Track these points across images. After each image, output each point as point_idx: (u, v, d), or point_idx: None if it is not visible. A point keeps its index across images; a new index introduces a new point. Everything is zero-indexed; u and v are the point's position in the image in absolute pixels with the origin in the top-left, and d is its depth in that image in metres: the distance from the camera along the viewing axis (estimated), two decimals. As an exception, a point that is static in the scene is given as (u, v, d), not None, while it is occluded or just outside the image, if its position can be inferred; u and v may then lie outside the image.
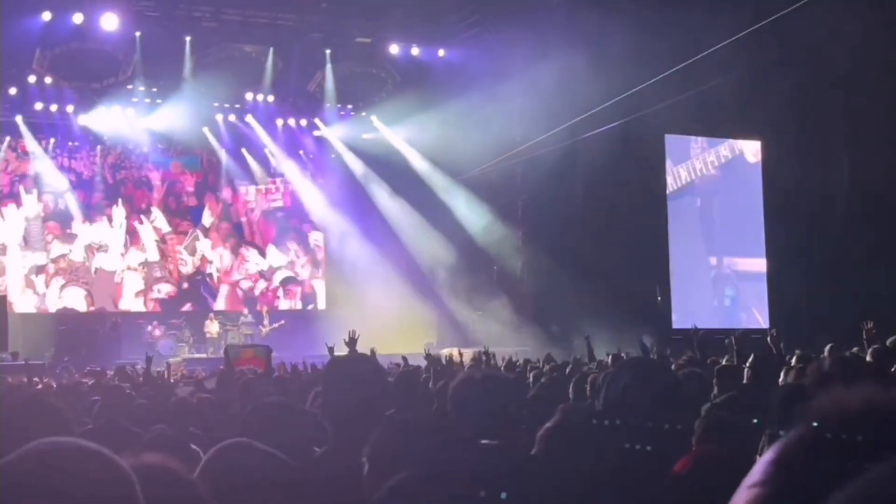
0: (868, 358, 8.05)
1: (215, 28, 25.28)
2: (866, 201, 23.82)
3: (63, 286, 27.51)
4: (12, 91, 25.56)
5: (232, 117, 28.29)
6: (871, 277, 23.04)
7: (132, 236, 28.42)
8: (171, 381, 13.89)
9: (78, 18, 23.81)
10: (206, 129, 28.29)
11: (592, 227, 24.47)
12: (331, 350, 10.63)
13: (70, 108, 26.48)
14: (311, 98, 28.09)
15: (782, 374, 7.60)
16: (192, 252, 28.99)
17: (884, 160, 22.27)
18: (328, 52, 26.67)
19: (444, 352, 22.47)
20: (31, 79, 25.26)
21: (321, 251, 30.46)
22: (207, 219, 29.36)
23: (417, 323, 27.96)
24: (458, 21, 25.39)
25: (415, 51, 27.11)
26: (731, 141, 27.63)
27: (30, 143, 27.19)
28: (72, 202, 27.84)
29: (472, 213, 27.58)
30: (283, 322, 26.98)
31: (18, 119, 26.59)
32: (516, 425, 3.26)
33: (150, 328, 26.13)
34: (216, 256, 29.31)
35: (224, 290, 29.15)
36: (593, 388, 7.31)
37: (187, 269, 28.92)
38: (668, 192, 26.73)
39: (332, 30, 26.12)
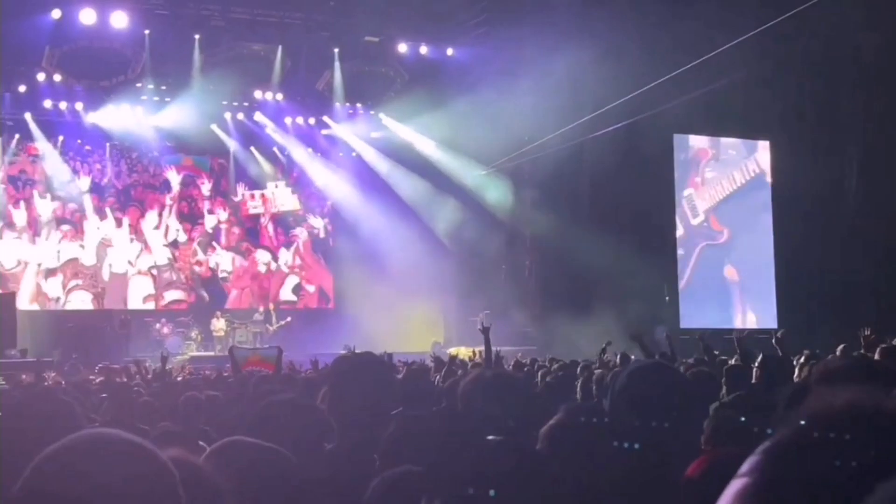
0: (876, 356, 8.03)
1: (224, 26, 25.31)
2: (876, 201, 23.79)
3: (72, 289, 27.56)
4: (21, 89, 25.64)
5: (240, 115, 28.32)
6: (881, 277, 23.02)
7: (143, 239, 28.51)
8: (179, 379, 13.88)
9: (87, 16, 23.85)
10: (214, 127, 28.30)
11: (600, 225, 24.45)
12: (350, 352, 10.60)
13: (79, 106, 26.53)
14: (320, 96, 28.11)
15: (796, 373, 7.59)
16: (204, 255, 29.05)
17: (894, 160, 22.26)
18: (336, 50, 26.70)
19: (451, 350, 22.49)
20: (41, 76, 25.32)
21: (329, 249, 30.49)
22: (219, 221, 29.45)
23: (425, 321, 27.97)
24: (466, 20, 25.38)
25: (423, 49, 27.11)
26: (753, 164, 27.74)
27: (42, 144, 27.24)
28: (87, 204, 27.95)
29: (479, 211, 27.57)
30: (289, 319, 27.01)
31: (27, 117, 26.62)
32: (525, 423, 3.26)
33: (158, 326, 26.17)
34: (228, 259, 29.37)
35: (235, 294, 29.23)
36: (600, 387, 7.31)
37: (200, 271, 29.01)
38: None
39: (340, 28, 26.13)
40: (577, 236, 24.69)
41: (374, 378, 3.58)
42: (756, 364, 7.95)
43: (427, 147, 27.81)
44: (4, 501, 1.63)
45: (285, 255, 30.09)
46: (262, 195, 29.93)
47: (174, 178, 28.99)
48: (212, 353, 24.93)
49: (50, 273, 27.41)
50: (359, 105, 28.65)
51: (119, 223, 28.29)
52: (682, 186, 27.52)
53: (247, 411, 5.02)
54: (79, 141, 27.70)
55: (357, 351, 9.87)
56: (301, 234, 30.36)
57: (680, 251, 27.31)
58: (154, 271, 28.50)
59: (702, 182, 27.76)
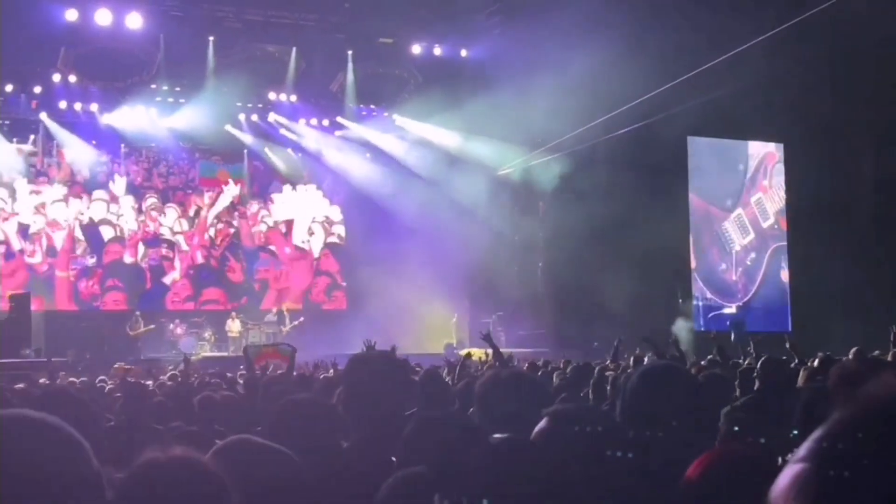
0: (889, 359, 8.05)
1: (238, 28, 25.40)
2: (890, 203, 23.72)
3: (109, 289, 27.81)
4: (37, 89, 25.76)
5: (255, 117, 28.38)
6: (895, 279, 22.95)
7: (182, 242, 28.78)
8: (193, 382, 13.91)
9: (103, 17, 23.97)
10: (229, 128, 28.38)
11: (614, 228, 24.40)
12: (370, 347, 10.57)
13: (94, 107, 26.62)
14: (334, 98, 28.16)
15: (801, 377, 7.59)
16: (238, 258, 29.35)
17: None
18: (350, 52, 26.76)
19: (464, 352, 22.51)
20: (56, 77, 25.43)
21: (342, 250, 30.56)
22: (252, 224, 29.76)
23: (438, 323, 27.98)
24: (480, 21, 25.39)
25: (437, 50, 27.16)
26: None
27: (77, 145, 27.47)
28: (126, 208, 28.26)
29: (493, 213, 27.58)
30: (301, 319, 27.03)
31: (46, 118, 26.76)
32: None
33: (171, 326, 26.22)
34: (264, 261, 29.71)
35: (272, 294, 29.59)
36: (614, 388, 7.32)
37: (235, 275, 29.25)
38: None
39: (354, 30, 26.18)
40: (589, 238, 24.66)
41: (389, 378, 3.60)
42: (757, 367, 7.97)
43: (440, 148, 27.81)
44: None
45: (312, 256, 30.33)
46: (279, 199, 30.11)
47: (212, 184, 29.42)
48: (225, 354, 24.98)
49: (90, 273, 27.71)
50: (373, 106, 28.70)
51: (160, 225, 28.59)
52: (751, 191, 27.91)
53: (262, 411, 5.05)
54: (122, 146, 27.80)
55: (377, 348, 9.87)
56: (319, 235, 30.52)
57: (752, 255, 27.56)
58: (192, 272, 28.71)
59: (769, 185, 27.96)
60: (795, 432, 3.84)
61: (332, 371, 11.68)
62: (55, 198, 27.57)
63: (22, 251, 27.07)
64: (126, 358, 22.76)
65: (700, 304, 26.95)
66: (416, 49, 27.07)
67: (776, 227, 28.06)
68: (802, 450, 1.24)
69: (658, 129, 22.27)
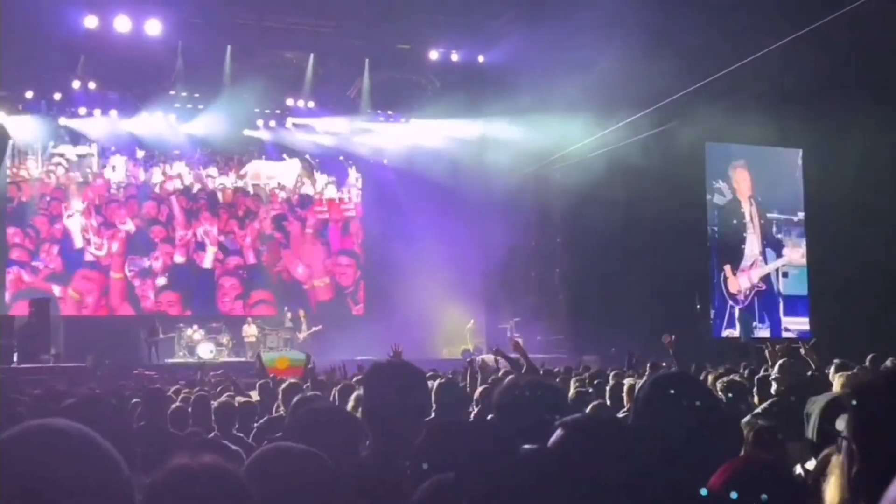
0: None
1: (256, 35, 25.47)
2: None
3: (164, 288, 28.29)
4: (57, 96, 25.91)
5: (272, 123, 28.47)
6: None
7: (233, 243, 29.31)
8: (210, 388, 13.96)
9: (122, 24, 24.11)
10: (247, 133, 28.53)
11: (631, 234, 24.38)
12: (398, 353, 10.53)
13: (113, 114, 26.74)
14: (351, 104, 28.21)
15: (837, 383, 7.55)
16: (279, 260, 29.88)
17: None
18: (368, 58, 26.82)
19: (481, 358, 22.48)
20: (76, 84, 25.57)
21: (359, 256, 30.62)
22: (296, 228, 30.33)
23: (455, 329, 27.98)
24: (498, 26, 25.39)
25: (454, 56, 27.17)
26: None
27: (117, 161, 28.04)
28: (176, 209, 28.69)
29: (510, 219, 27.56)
30: (320, 327, 27.03)
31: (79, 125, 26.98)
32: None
33: (189, 332, 26.28)
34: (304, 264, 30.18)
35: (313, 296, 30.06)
36: (630, 396, 7.32)
37: (283, 276, 29.77)
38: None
39: (371, 36, 26.21)
40: (607, 244, 24.65)
41: (408, 385, 3.61)
42: (774, 372, 7.94)
43: (458, 153, 27.81)
44: None
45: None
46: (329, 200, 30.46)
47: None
48: (243, 359, 25.03)
49: (144, 274, 28.25)
50: (390, 112, 28.73)
51: (210, 224, 29.10)
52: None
53: (280, 417, 5.07)
54: (112, 147, 27.97)
55: (402, 355, 9.87)
56: (339, 241, 30.74)
57: (770, 259, 27.68)
58: (243, 272, 29.19)
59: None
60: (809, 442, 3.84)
61: (353, 378, 11.65)
62: (105, 200, 28.10)
63: (82, 250, 27.69)
64: (143, 364, 22.87)
65: (717, 310, 26.87)
66: (434, 55, 27.10)
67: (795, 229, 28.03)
68: None
69: (676, 134, 22.24)
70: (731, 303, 26.96)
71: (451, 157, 27.77)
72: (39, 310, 23.11)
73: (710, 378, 8.79)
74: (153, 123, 27.22)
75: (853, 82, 22.64)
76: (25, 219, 27.33)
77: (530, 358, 8.93)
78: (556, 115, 23.51)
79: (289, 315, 27.67)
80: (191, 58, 25.39)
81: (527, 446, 2.37)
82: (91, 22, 23.96)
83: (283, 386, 8.31)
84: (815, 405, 4.03)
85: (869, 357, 10.24)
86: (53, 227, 27.48)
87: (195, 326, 26.49)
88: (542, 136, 24.94)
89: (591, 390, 9.09)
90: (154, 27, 24.37)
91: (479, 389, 7.24)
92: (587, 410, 6.73)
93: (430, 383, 5.51)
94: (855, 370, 8.19)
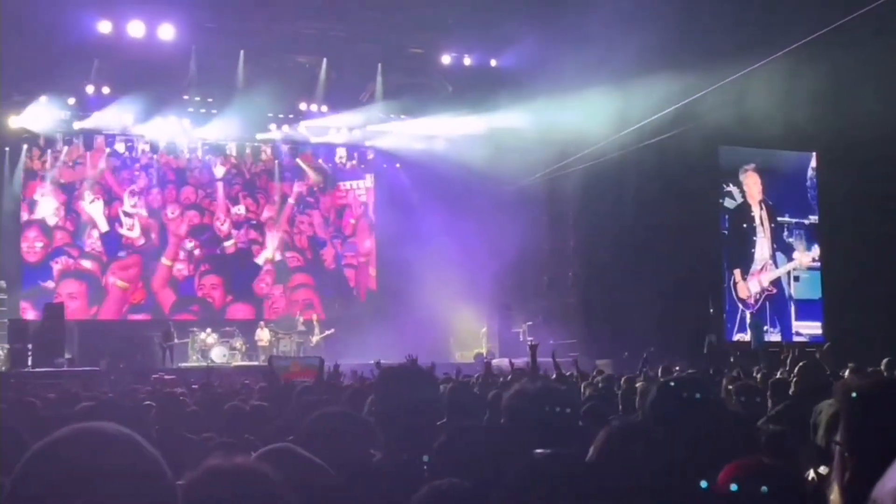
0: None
1: (269, 39, 25.54)
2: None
3: (207, 273, 29.02)
4: (71, 101, 26.01)
5: (286, 127, 28.55)
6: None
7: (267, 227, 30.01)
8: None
9: (136, 29, 24.20)
10: (260, 137, 28.69)
11: (644, 237, 24.34)
12: (413, 361, 10.52)
13: (128, 119, 26.84)
14: (364, 107, 28.24)
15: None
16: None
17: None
18: (380, 62, 26.86)
19: (495, 362, 22.46)
20: (90, 89, 25.66)
21: (374, 260, 30.69)
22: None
23: (468, 332, 27.99)
24: (510, 30, 25.38)
25: (467, 60, 27.19)
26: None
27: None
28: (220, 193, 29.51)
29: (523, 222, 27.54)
30: (332, 331, 27.09)
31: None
32: (569, 435, 3.28)
33: (203, 336, 26.33)
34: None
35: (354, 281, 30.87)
36: (643, 399, 7.30)
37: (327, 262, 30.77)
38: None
39: (384, 40, 26.27)
40: (620, 247, 24.62)
41: (420, 389, 3.61)
42: (793, 374, 7.92)
43: (470, 157, 27.79)
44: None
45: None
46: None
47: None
48: (256, 363, 25.07)
49: (189, 258, 29.03)
50: (402, 116, 28.75)
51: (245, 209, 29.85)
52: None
53: (293, 421, 5.07)
54: (125, 151, 28.13)
55: (417, 361, 9.86)
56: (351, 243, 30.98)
57: (782, 262, 27.66)
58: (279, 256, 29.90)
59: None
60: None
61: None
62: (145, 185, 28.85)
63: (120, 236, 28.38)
64: (157, 367, 22.93)
65: (728, 314, 26.80)
66: (446, 59, 27.13)
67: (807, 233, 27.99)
68: None
69: (689, 138, 22.19)
70: (741, 307, 26.88)
71: (463, 161, 27.74)
72: (53, 314, 23.21)
73: (724, 381, 8.77)
74: (167, 127, 27.35)
75: (868, 84, 22.55)
76: (70, 203, 27.84)
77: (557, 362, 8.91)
78: (569, 119, 23.48)
79: (301, 319, 27.72)
80: (204, 62, 25.48)
81: (539, 451, 2.37)
82: (105, 27, 24.07)
83: (297, 389, 8.33)
84: (823, 412, 4.04)
85: (884, 361, 10.18)
86: (92, 211, 28.05)
87: (208, 330, 26.55)
88: (554, 139, 24.93)
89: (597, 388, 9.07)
90: (167, 32, 24.46)
91: (491, 394, 7.23)
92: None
93: (442, 387, 5.52)
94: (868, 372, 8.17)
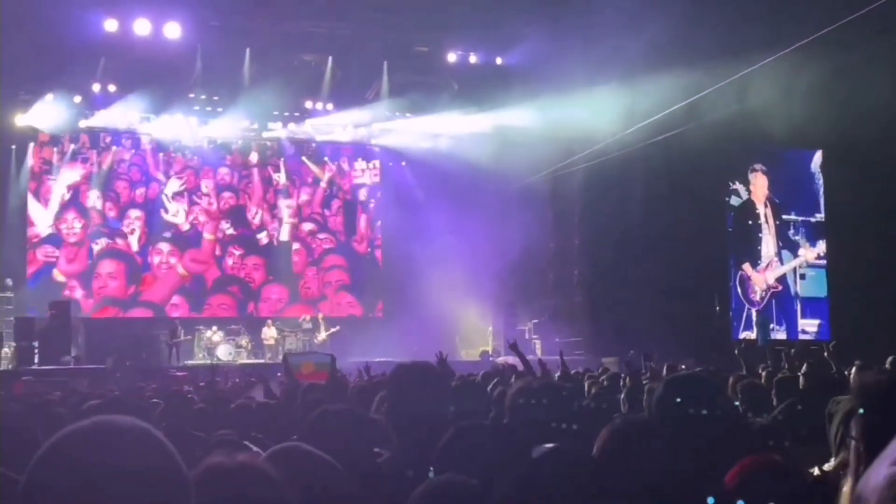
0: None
1: (275, 38, 25.56)
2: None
3: (248, 253, 29.35)
4: (77, 99, 26.05)
5: (291, 125, 28.58)
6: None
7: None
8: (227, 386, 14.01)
9: (142, 27, 24.23)
10: (266, 135, 28.74)
11: (650, 235, 24.33)
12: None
13: (134, 117, 26.88)
14: (369, 106, 28.25)
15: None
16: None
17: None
18: (386, 60, 26.87)
19: (500, 360, 22.47)
20: (96, 87, 25.70)
21: (377, 258, 30.70)
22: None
23: (473, 331, 27.99)
24: (516, 28, 25.38)
25: (472, 58, 27.21)
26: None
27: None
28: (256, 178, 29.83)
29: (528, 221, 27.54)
30: (338, 328, 27.11)
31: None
32: (571, 432, 3.30)
33: (209, 334, 26.37)
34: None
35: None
36: (650, 398, 7.30)
37: (361, 246, 31.10)
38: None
39: (389, 39, 26.28)
40: (625, 245, 24.61)
41: (431, 387, 3.62)
42: (802, 373, 7.91)
43: (475, 155, 27.78)
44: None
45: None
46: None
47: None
48: (262, 361, 25.11)
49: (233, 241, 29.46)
50: (408, 114, 28.74)
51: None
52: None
53: (299, 419, 5.08)
54: (134, 151, 28.19)
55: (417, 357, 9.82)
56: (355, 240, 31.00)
57: (788, 260, 27.72)
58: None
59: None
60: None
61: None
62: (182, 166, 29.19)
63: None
64: (163, 365, 22.97)
65: (734, 312, 26.79)
66: (452, 57, 27.14)
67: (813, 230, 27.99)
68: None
69: (694, 135, 22.17)
70: (747, 305, 26.88)
71: (469, 159, 27.72)
72: (60, 312, 23.25)
73: (730, 380, 8.76)
74: (173, 125, 27.40)
75: (874, 82, 22.51)
76: (109, 184, 28.12)
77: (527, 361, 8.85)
78: (574, 116, 23.49)
79: (307, 317, 27.74)
80: (210, 61, 25.52)
81: (545, 445, 2.39)
82: (111, 25, 24.10)
83: (303, 388, 8.35)
84: (839, 406, 4.03)
85: (889, 359, 10.17)
86: (135, 192, 28.40)
87: (214, 328, 26.59)
88: (560, 137, 24.94)
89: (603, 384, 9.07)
90: (173, 30, 24.50)
91: (496, 392, 7.24)
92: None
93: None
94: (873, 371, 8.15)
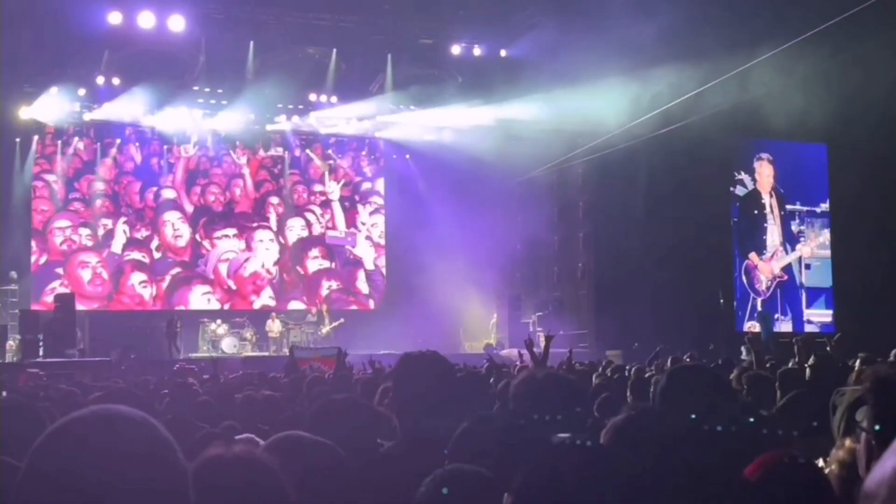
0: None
1: (279, 30, 25.55)
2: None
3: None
4: (81, 92, 26.06)
5: (295, 118, 28.58)
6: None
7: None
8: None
9: (146, 20, 24.24)
10: (270, 128, 28.74)
11: (654, 228, 24.31)
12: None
13: (138, 110, 26.89)
14: (374, 98, 28.24)
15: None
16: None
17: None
18: (390, 53, 26.86)
19: (505, 352, 22.49)
20: (100, 80, 25.71)
21: (383, 250, 30.72)
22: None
23: (477, 323, 27.99)
24: (520, 21, 25.37)
25: (476, 51, 27.20)
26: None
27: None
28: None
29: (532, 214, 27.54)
30: (342, 321, 27.11)
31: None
32: (577, 423, 3.29)
33: (213, 326, 26.37)
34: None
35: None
36: (655, 389, 7.29)
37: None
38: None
39: (393, 31, 26.27)
40: (630, 238, 24.59)
41: (437, 377, 3.62)
42: (808, 364, 7.90)
43: (480, 147, 27.75)
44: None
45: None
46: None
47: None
48: (266, 354, 25.14)
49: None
50: (412, 107, 28.73)
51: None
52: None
53: (303, 409, 5.09)
54: (135, 144, 28.22)
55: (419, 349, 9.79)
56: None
57: (793, 254, 27.72)
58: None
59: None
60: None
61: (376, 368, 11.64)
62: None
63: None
64: (166, 358, 22.97)
65: (738, 302, 26.79)
66: (456, 49, 27.13)
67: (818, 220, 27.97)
68: None
69: (699, 127, 22.14)
70: (752, 294, 26.89)
71: (473, 152, 27.70)
72: (64, 305, 23.28)
73: (734, 372, 8.75)
74: (177, 118, 27.41)
75: (881, 74, 22.47)
76: (112, 176, 28.19)
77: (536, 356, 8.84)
78: (579, 109, 23.46)
79: (312, 310, 27.76)
80: (214, 53, 25.51)
81: (560, 435, 2.39)
82: (115, 18, 24.11)
83: (309, 380, 8.37)
84: (844, 398, 4.02)
85: (893, 352, 10.15)
86: (138, 184, 28.47)
87: (219, 321, 26.59)
88: (564, 129, 24.91)
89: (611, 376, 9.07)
90: (177, 23, 24.49)
91: (501, 384, 7.25)
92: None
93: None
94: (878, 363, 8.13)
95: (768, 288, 27.14)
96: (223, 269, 28.86)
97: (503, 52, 27.11)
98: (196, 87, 26.70)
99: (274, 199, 29.77)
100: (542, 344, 8.99)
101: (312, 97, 27.99)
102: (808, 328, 26.45)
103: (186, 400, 7.19)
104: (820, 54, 19.49)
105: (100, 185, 27.80)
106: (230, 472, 1.93)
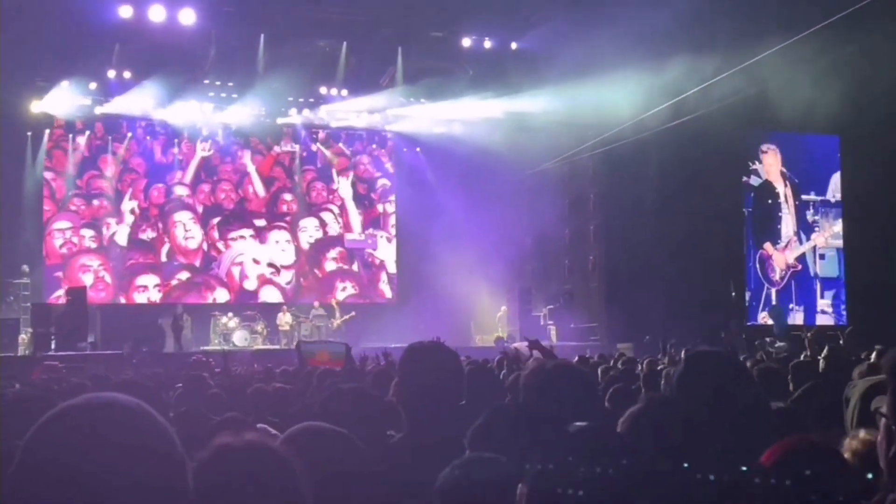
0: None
1: (290, 24, 25.53)
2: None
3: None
4: (92, 86, 26.10)
5: (306, 111, 28.58)
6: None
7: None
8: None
9: (156, 14, 24.24)
10: (280, 122, 28.78)
11: (665, 220, 24.26)
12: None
13: (149, 103, 26.91)
14: (384, 91, 28.22)
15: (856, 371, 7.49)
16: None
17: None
18: (400, 46, 26.83)
19: (515, 345, 22.45)
20: (111, 73, 25.76)
21: (393, 245, 30.72)
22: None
23: (488, 317, 27.97)
24: (530, 13, 25.30)
25: (487, 44, 27.14)
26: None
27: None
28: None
29: (543, 206, 27.49)
30: (353, 314, 27.11)
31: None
32: (589, 414, 3.28)
33: (224, 320, 26.40)
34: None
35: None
36: (668, 382, 7.28)
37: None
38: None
39: (404, 24, 26.22)
40: (641, 230, 24.54)
41: (444, 369, 3.60)
42: (822, 356, 7.88)
43: (491, 140, 27.71)
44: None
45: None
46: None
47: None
48: (277, 347, 25.16)
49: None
50: (423, 100, 28.70)
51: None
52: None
53: (313, 401, 5.08)
54: (147, 137, 28.23)
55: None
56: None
57: (805, 245, 27.67)
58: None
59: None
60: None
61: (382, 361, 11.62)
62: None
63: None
64: (179, 351, 23.00)
65: (753, 293, 26.73)
66: (467, 42, 27.07)
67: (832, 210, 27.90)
68: None
69: (711, 119, 22.07)
70: (766, 285, 26.85)
71: (483, 144, 27.66)
72: (76, 298, 23.33)
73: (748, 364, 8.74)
74: (188, 112, 27.45)
75: (893, 65, 22.38)
76: (124, 170, 28.27)
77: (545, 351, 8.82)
78: (589, 101, 23.41)
79: (315, 304, 27.73)
80: (224, 47, 25.52)
81: (577, 423, 2.37)
82: (126, 11, 24.11)
83: (318, 372, 8.37)
84: (856, 389, 4.00)
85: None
86: (149, 178, 28.53)
87: (230, 314, 26.62)
88: (574, 122, 24.87)
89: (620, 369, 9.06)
90: (188, 16, 24.49)
91: (512, 376, 7.23)
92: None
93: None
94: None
95: (782, 278, 27.08)
96: (236, 272, 28.89)
97: (514, 45, 27.05)
98: (206, 81, 26.74)
99: (287, 196, 29.77)
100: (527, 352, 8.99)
101: (323, 90, 28.01)
102: (821, 318, 26.39)
103: (198, 393, 7.20)
104: (832, 45, 19.40)
105: (107, 182, 27.82)
106: (241, 460, 1.92)
